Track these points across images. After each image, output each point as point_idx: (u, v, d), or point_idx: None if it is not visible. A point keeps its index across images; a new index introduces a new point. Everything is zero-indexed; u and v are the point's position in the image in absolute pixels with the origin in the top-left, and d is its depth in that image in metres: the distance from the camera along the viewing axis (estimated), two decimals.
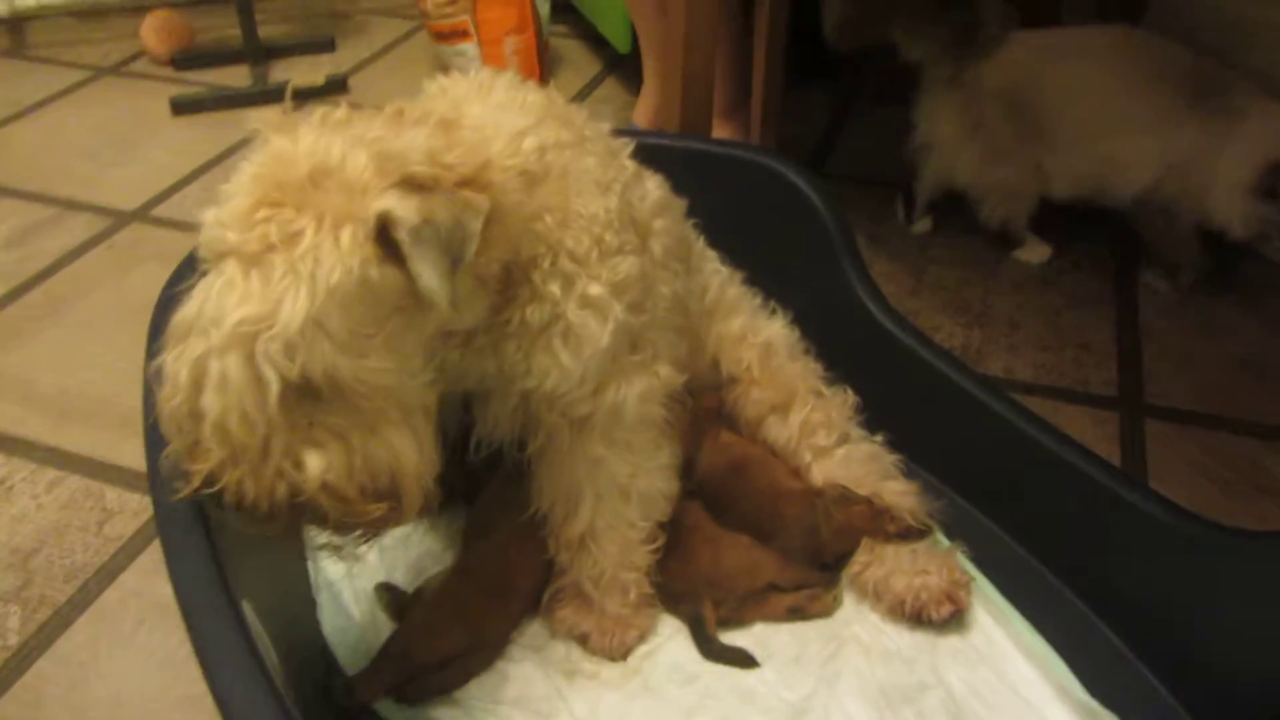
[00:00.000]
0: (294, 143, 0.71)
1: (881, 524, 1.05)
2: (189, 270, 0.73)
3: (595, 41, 2.30)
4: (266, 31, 2.33)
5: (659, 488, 0.96)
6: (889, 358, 1.17)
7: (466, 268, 0.73)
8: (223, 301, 0.66)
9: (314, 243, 0.67)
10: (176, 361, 0.68)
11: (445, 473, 1.06)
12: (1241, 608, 0.93)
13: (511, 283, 0.82)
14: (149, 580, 1.12)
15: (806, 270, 1.22)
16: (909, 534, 1.06)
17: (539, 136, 0.83)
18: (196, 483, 0.70)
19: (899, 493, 1.09)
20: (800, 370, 1.14)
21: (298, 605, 1.03)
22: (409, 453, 0.74)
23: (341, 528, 0.75)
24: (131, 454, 1.28)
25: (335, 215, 0.67)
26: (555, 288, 0.83)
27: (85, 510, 1.21)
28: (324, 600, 1.04)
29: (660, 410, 0.94)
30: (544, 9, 2.15)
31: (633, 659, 0.99)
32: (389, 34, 2.50)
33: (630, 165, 0.94)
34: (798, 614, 1.03)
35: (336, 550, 0.81)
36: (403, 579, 1.06)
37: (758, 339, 1.15)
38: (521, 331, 0.84)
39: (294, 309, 0.66)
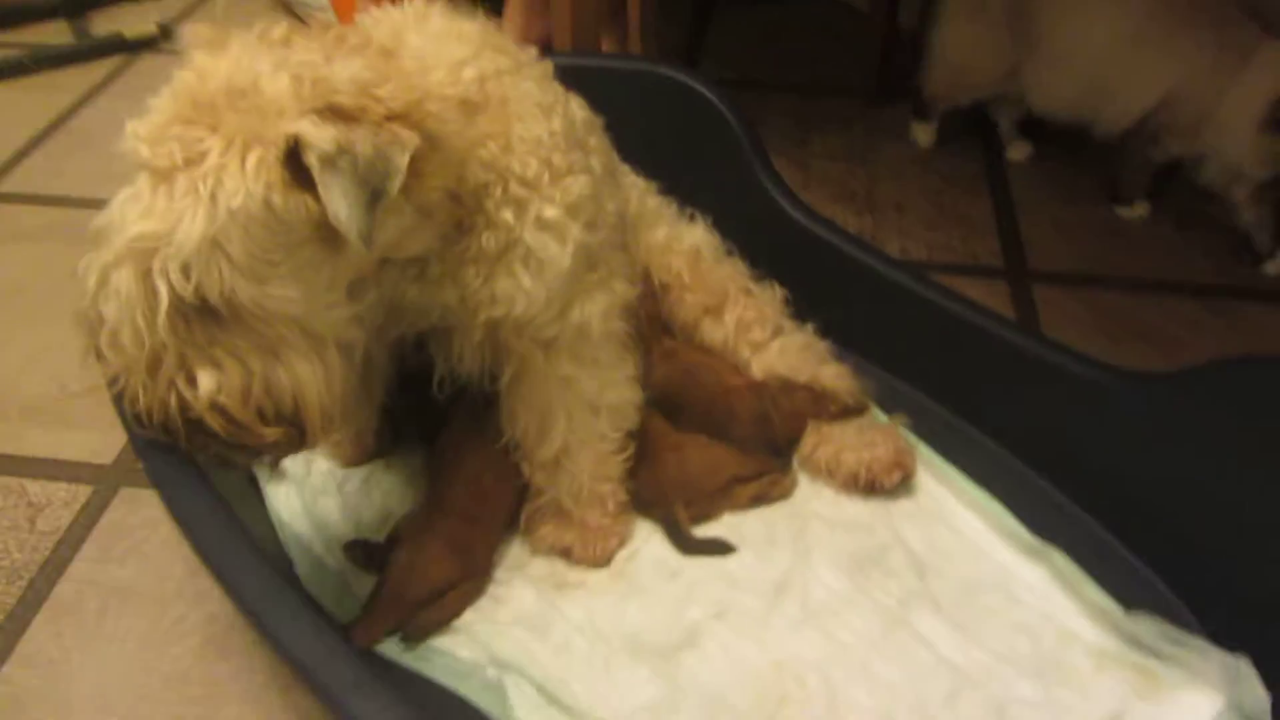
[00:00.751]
0: (217, 60, 0.70)
1: (824, 406, 1.12)
2: None
3: None
4: None
5: (627, 398, 0.99)
6: (807, 250, 1.23)
7: (397, 202, 0.73)
8: (125, 214, 0.68)
9: (219, 163, 0.67)
10: (86, 268, 0.70)
11: (397, 413, 1.09)
12: (1153, 441, 1.03)
13: (464, 211, 0.83)
14: (100, 567, 1.08)
15: (719, 176, 1.26)
16: (849, 412, 1.13)
17: (478, 66, 0.83)
18: (104, 382, 0.73)
19: (835, 376, 1.15)
20: (728, 271, 1.18)
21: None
22: (312, 382, 0.75)
23: (239, 448, 0.76)
24: (43, 442, 1.22)
25: (246, 137, 0.67)
26: (509, 214, 0.84)
27: (10, 509, 1.15)
28: (297, 556, 1.04)
29: (621, 324, 0.97)
30: None
31: (616, 564, 1.03)
32: None
33: (560, 87, 0.95)
34: (761, 500, 1.08)
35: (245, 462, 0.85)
36: (370, 527, 1.06)
37: (683, 245, 1.18)
38: (480, 258, 0.85)
39: (191, 228, 0.66)
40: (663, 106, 1.11)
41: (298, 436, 0.77)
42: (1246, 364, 1.00)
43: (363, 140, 0.68)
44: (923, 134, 1.73)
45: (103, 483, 1.18)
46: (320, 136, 0.67)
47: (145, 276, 0.67)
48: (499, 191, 0.83)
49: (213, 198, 0.66)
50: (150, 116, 0.69)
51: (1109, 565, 1.02)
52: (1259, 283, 1.47)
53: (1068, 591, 1.01)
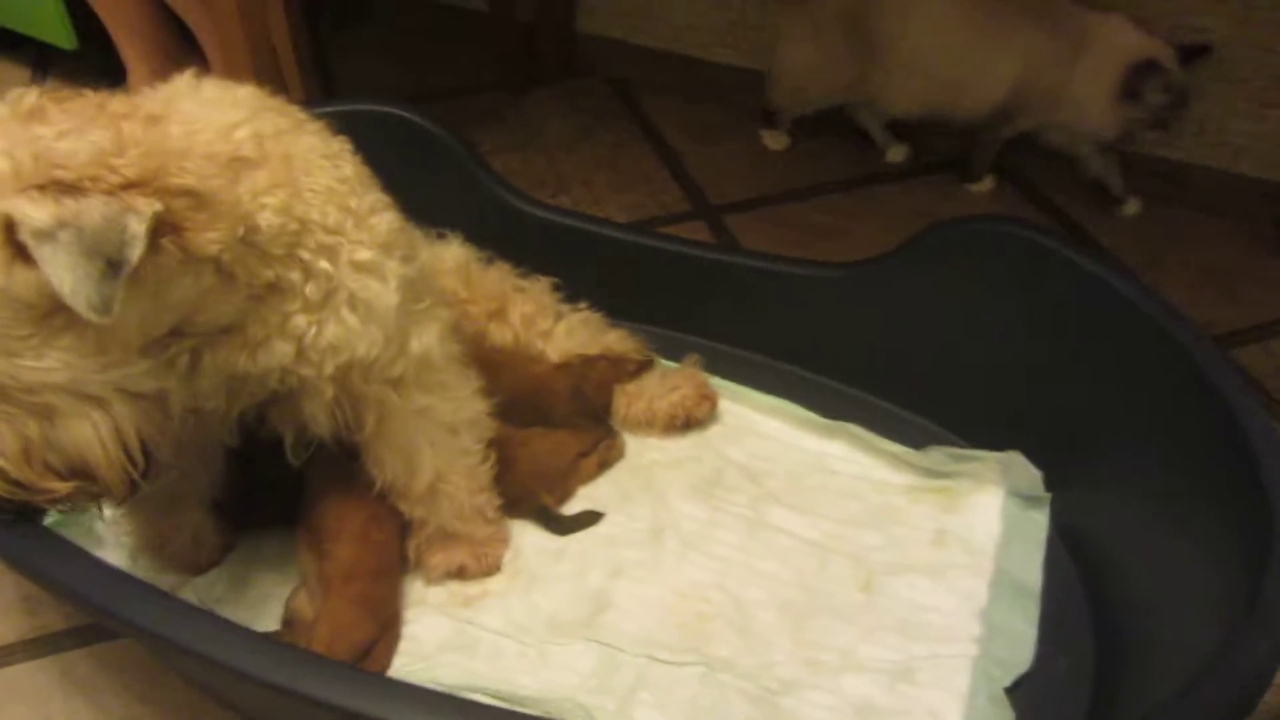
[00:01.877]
0: None
1: (623, 368, 1.24)
2: None
3: (11, 48, 2.04)
4: None
5: (479, 410, 1.04)
6: (552, 238, 1.33)
7: (186, 265, 0.75)
8: None
9: None
10: None
11: (232, 499, 1.07)
12: (874, 314, 1.26)
13: (275, 266, 0.84)
14: None
15: (453, 194, 1.32)
16: (643, 367, 1.26)
17: (254, 126, 0.84)
18: None
19: (619, 340, 1.28)
20: (496, 276, 1.26)
21: None
22: (93, 441, 0.77)
23: (37, 502, 0.79)
24: None
25: None
26: (325, 262, 0.86)
27: None
28: None
29: (456, 345, 1.02)
30: None
31: (505, 566, 1.10)
32: None
33: (340, 139, 0.97)
34: (605, 465, 1.20)
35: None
36: (259, 620, 1.05)
37: (448, 264, 1.24)
38: (307, 308, 0.86)
39: None
40: (384, 141, 1.15)
41: (94, 489, 0.79)
42: (929, 234, 1.23)
43: (89, 211, 0.68)
44: (773, 140, 1.82)
45: None
46: (33, 214, 0.67)
47: None
48: (311, 241, 0.85)
49: None
50: None
51: (890, 423, 1.25)
52: (881, 169, 1.78)
53: (869, 452, 1.22)
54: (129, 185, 0.71)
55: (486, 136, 1.83)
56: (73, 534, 1.08)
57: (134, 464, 0.79)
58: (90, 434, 0.76)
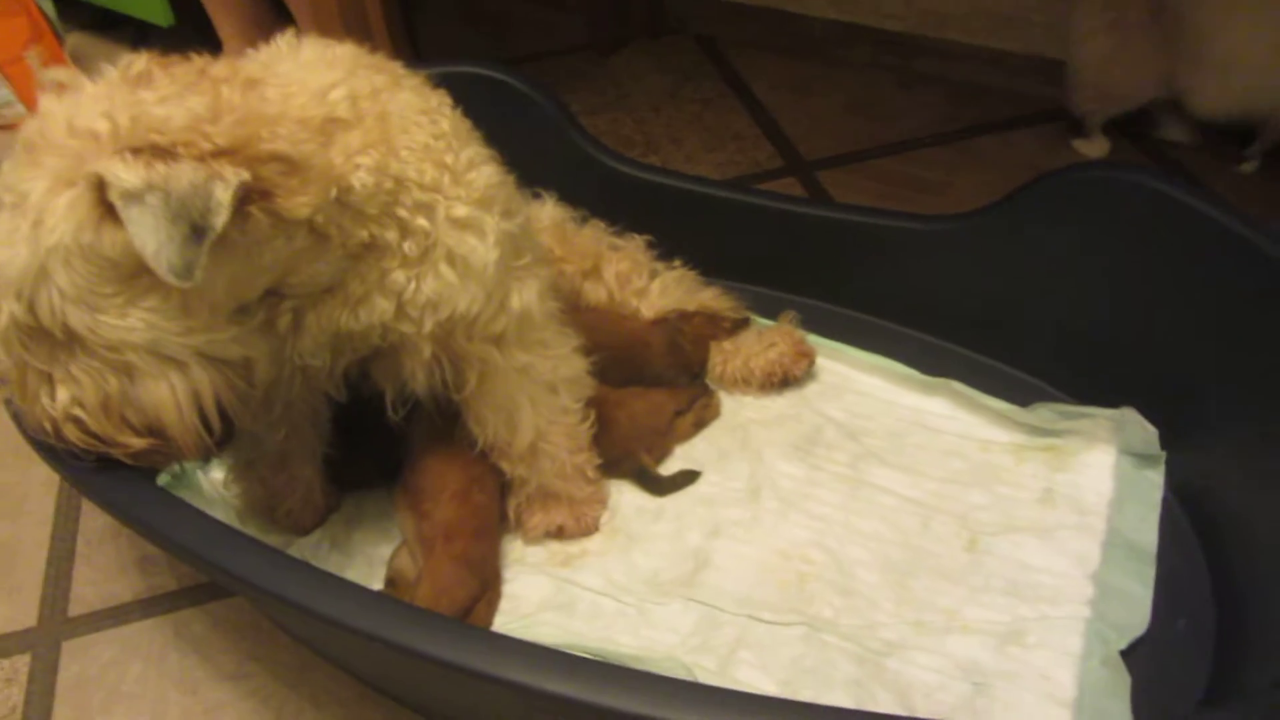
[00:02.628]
0: (60, 104, 0.73)
1: (719, 325, 1.23)
2: None
3: (110, 27, 2.09)
4: None
5: (579, 368, 1.04)
6: (646, 196, 1.32)
7: (280, 228, 0.77)
8: None
9: (39, 202, 0.70)
10: None
11: (340, 459, 1.09)
12: (976, 269, 1.22)
13: (371, 225, 0.84)
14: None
15: (547, 154, 1.31)
16: (739, 325, 1.24)
17: (349, 86, 0.84)
18: None
19: (714, 297, 1.26)
20: (591, 234, 1.25)
21: None
22: (169, 403, 0.78)
23: (111, 455, 0.81)
24: None
25: (66, 176, 0.70)
26: (422, 220, 0.86)
27: None
28: None
29: (555, 302, 1.02)
30: (48, 7, 1.92)
31: (603, 525, 1.10)
32: None
33: (440, 93, 0.97)
34: (701, 425, 1.18)
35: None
36: (358, 575, 1.07)
37: (544, 223, 1.23)
38: (406, 263, 0.87)
39: (15, 261, 0.71)
40: (478, 102, 1.15)
41: (166, 448, 0.81)
42: (1040, 183, 1.18)
43: (178, 177, 0.70)
44: (1089, 148, 1.65)
45: (39, 645, 1.10)
46: (124, 175, 0.68)
47: None
48: (408, 199, 0.85)
49: (33, 235, 0.70)
50: (8, 161, 0.73)
51: (993, 380, 1.21)
52: (984, 121, 1.71)
53: (971, 409, 1.18)
54: (219, 153, 0.72)
55: (574, 97, 1.82)
56: (184, 494, 1.11)
57: (209, 429, 0.80)
58: (167, 395, 0.77)
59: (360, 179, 0.81)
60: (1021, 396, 1.18)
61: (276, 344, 0.88)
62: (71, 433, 0.77)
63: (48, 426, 0.78)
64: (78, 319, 0.72)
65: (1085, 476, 1.11)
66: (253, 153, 0.74)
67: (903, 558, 1.05)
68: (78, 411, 0.76)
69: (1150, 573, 1.02)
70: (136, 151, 0.69)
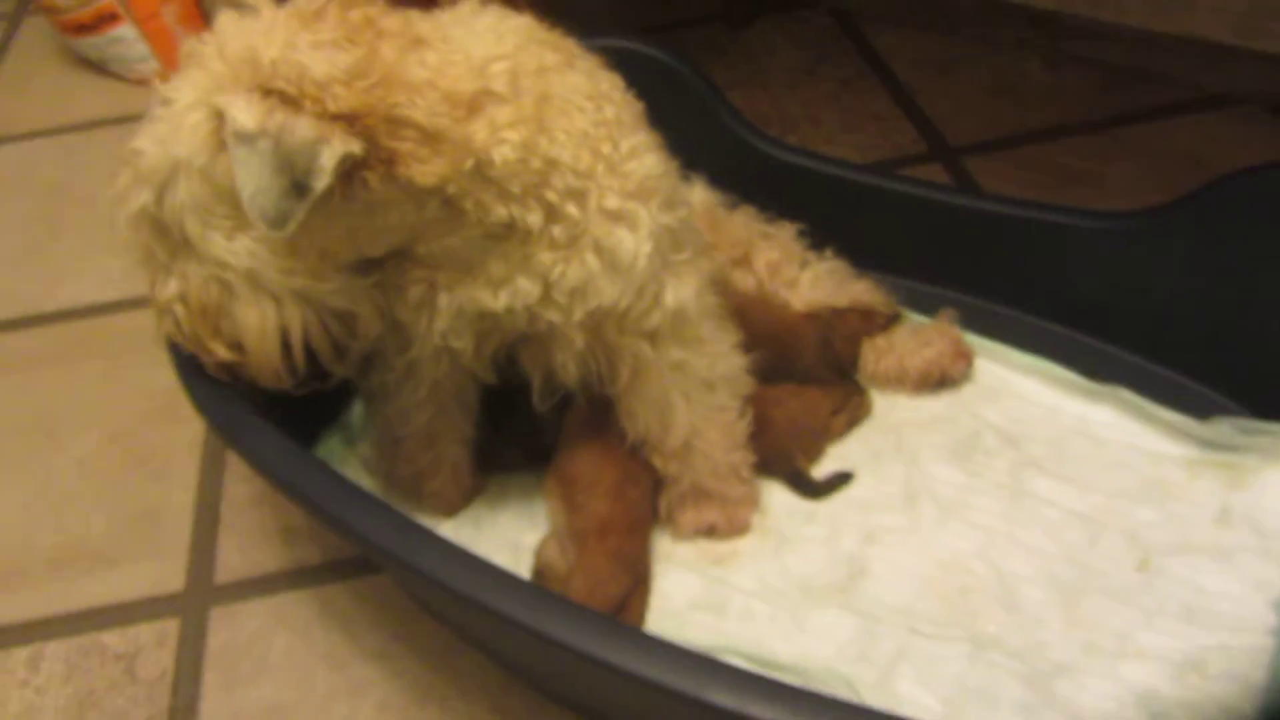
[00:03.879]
0: (234, 23, 0.76)
1: (873, 321, 1.18)
2: None
3: None
4: None
5: (737, 365, 1.01)
6: (792, 181, 1.27)
7: (407, 192, 0.76)
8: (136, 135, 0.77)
9: (177, 113, 0.74)
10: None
11: (487, 441, 1.08)
12: (1152, 271, 1.15)
13: (513, 205, 0.81)
14: (235, 694, 1.03)
15: (698, 135, 1.27)
16: (892, 321, 1.20)
17: (515, 61, 0.81)
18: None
19: (867, 290, 1.22)
20: (742, 221, 1.22)
21: None
22: (254, 329, 0.81)
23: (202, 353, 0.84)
24: (95, 590, 1.13)
25: (203, 96, 0.73)
26: (572, 207, 0.84)
27: (96, 669, 1.07)
28: None
29: (714, 298, 0.99)
30: None
31: (754, 526, 1.07)
32: None
33: (614, 76, 0.94)
34: (853, 424, 1.15)
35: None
36: (502, 561, 1.05)
37: (693, 208, 1.19)
38: (554, 246, 0.84)
39: (150, 158, 0.75)
40: (627, 78, 1.12)
41: (244, 364, 0.84)
42: (1226, 183, 1.11)
43: (293, 130, 0.70)
44: None
45: (188, 610, 1.11)
46: (241, 115, 0.69)
47: (131, 185, 0.77)
48: (559, 183, 0.82)
49: (168, 140, 0.74)
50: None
51: (1165, 389, 1.14)
52: (1141, 106, 1.63)
53: (1141, 419, 1.13)
54: (342, 116, 0.71)
55: (707, 72, 1.77)
56: (341, 467, 1.11)
57: (290, 366, 0.83)
58: (254, 321, 0.80)
59: (502, 154, 0.79)
60: (1196, 409, 1.12)
61: (407, 313, 0.88)
62: (167, 325, 0.82)
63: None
64: (192, 228, 0.76)
65: (1266, 497, 1.05)
66: (382, 117, 0.73)
67: (1069, 575, 1.01)
68: (178, 307, 0.81)
69: None
70: (266, 93, 0.70)
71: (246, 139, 0.69)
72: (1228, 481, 1.07)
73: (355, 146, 0.71)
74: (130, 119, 1.79)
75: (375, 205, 0.77)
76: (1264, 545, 1.02)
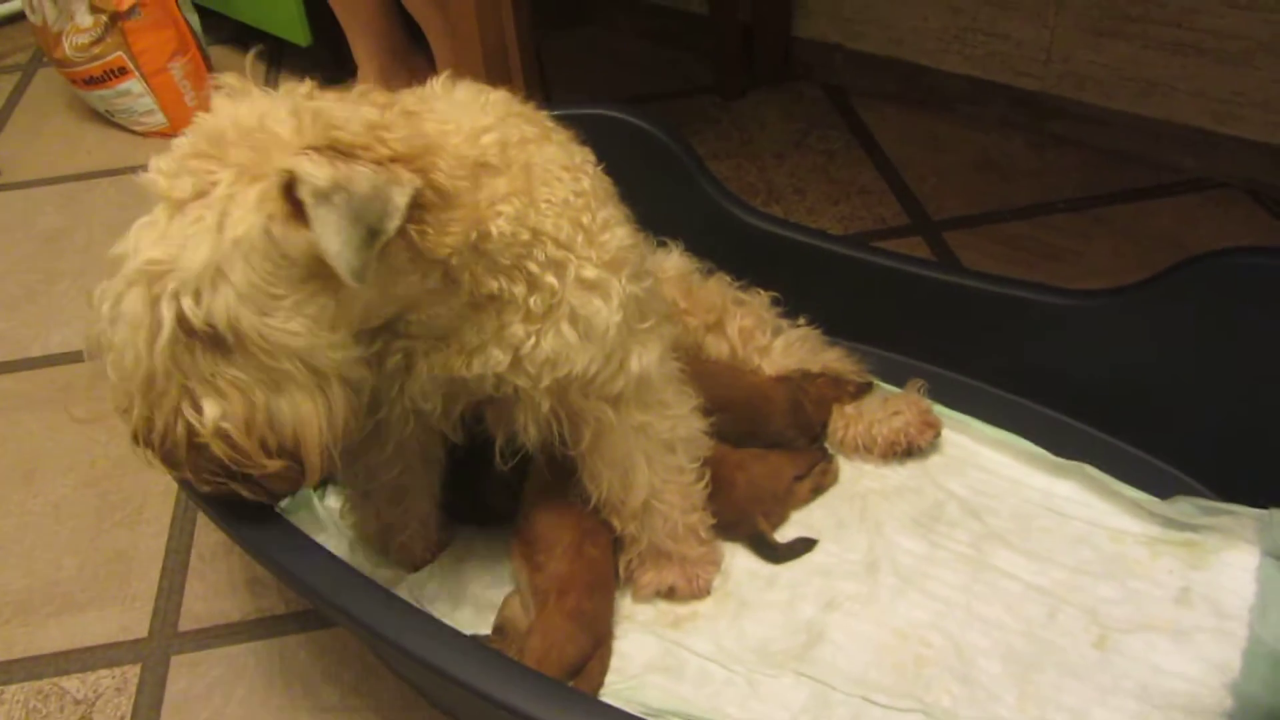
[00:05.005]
0: (236, 103, 0.74)
1: (844, 388, 1.20)
2: None
3: (249, 44, 2.15)
4: None
5: (696, 428, 1.02)
6: (768, 249, 1.30)
7: (417, 262, 0.77)
8: (140, 241, 0.71)
9: (226, 194, 0.70)
10: (101, 294, 0.72)
11: (453, 498, 1.08)
12: (1119, 349, 1.17)
13: (501, 276, 0.83)
14: None
15: (676, 203, 1.30)
16: (863, 389, 1.21)
17: (501, 132, 0.84)
18: (110, 408, 0.76)
19: (838, 359, 1.23)
20: (716, 287, 1.24)
21: None
22: (313, 418, 0.77)
23: (241, 478, 0.79)
24: (58, 634, 1.14)
25: (252, 170, 0.70)
26: (551, 277, 0.85)
27: (55, 713, 1.07)
28: None
29: (676, 363, 1.00)
30: (194, 21, 1.98)
31: (715, 589, 1.07)
32: None
33: (585, 150, 0.97)
34: (819, 490, 1.15)
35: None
36: (467, 623, 1.06)
37: (669, 274, 1.22)
38: (528, 318, 0.86)
39: (196, 254, 0.69)
40: (607, 144, 1.15)
41: (297, 471, 0.80)
42: (1191, 265, 1.12)
43: (361, 178, 0.70)
44: None
45: (149, 657, 1.11)
46: (314, 172, 0.68)
47: (154, 302, 0.70)
48: (540, 254, 0.84)
49: (219, 226, 0.69)
50: (170, 153, 0.73)
51: (1129, 466, 1.15)
52: (1121, 188, 1.66)
53: (1105, 496, 1.13)
54: (396, 159, 0.73)
55: (698, 141, 1.81)
56: (298, 520, 1.12)
57: (335, 451, 0.80)
58: (312, 410, 0.77)
59: (499, 227, 0.81)
60: (1159, 487, 1.13)
61: (383, 381, 0.88)
62: (219, 449, 0.75)
63: (182, 446, 0.75)
64: (249, 321, 0.71)
65: (1225, 577, 1.06)
66: (422, 168, 0.75)
67: (1027, 649, 1.01)
68: (226, 425, 0.74)
69: None
70: (320, 150, 0.70)
71: (324, 196, 0.68)
72: (1188, 561, 1.07)
73: (419, 181, 0.73)
74: (132, 169, 1.85)
75: (390, 274, 0.77)
76: (1222, 627, 1.02)
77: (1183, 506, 1.10)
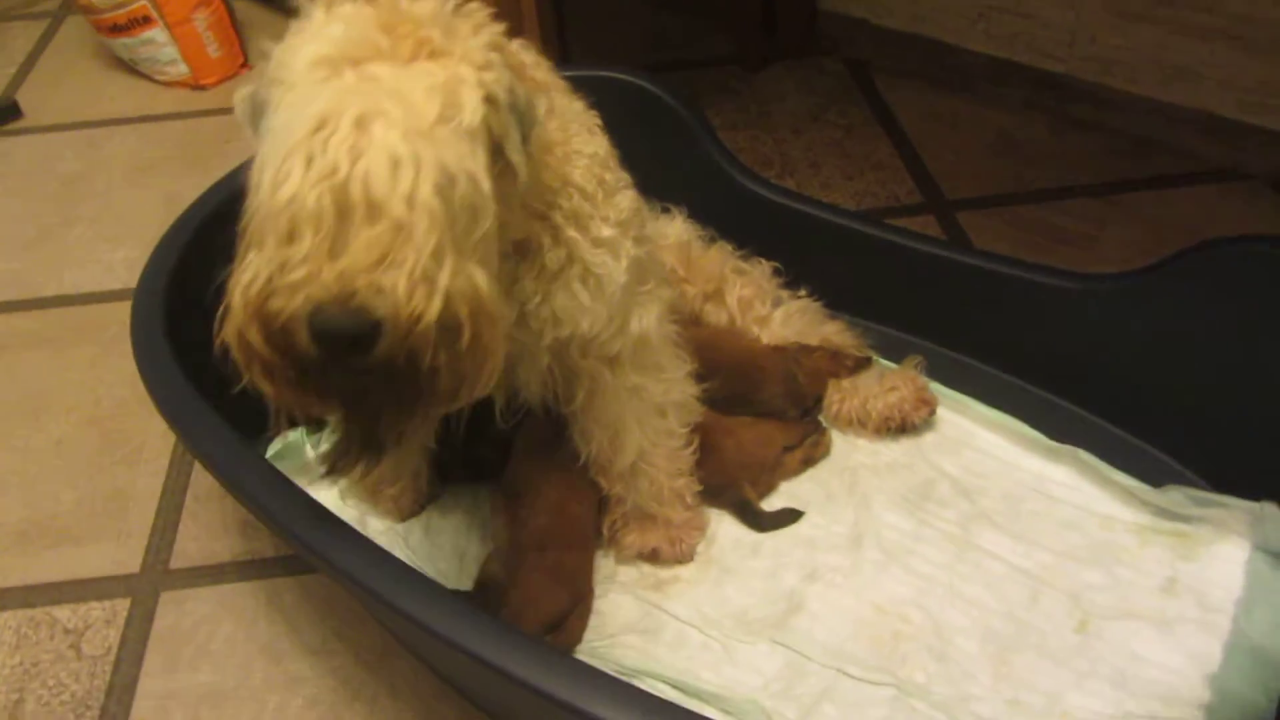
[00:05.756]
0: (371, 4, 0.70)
1: (841, 362, 1.19)
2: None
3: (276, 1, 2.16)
4: None
5: (689, 393, 1.02)
6: (772, 219, 1.29)
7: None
8: (404, 87, 0.64)
9: (457, 71, 0.67)
10: (339, 145, 0.63)
11: (444, 454, 1.09)
12: (1122, 335, 1.15)
13: (532, 223, 0.83)
14: (173, 677, 1.05)
15: (684, 168, 1.30)
16: (860, 364, 1.20)
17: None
18: (298, 302, 0.64)
19: (837, 333, 1.23)
20: (717, 256, 1.23)
21: None
22: (492, 292, 0.70)
23: (407, 390, 0.70)
24: (54, 565, 1.16)
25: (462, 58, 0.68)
26: (573, 231, 0.85)
27: (45, 641, 1.09)
28: None
29: (673, 326, 1.00)
30: None
31: (699, 553, 1.08)
32: (25, 39, 2.20)
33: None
34: (809, 462, 1.15)
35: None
36: (448, 574, 1.07)
37: (669, 241, 1.22)
38: (540, 275, 0.85)
39: (470, 111, 0.66)
40: (619, 107, 1.15)
41: (461, 373, 0.71)
42: (1191, 253, 1.10)
43: (519, 86, 0.72)
44: None
45: (139, 591, 1.13)
46: (503, 73, 0.70)
47: (443, 148, 0.64)
48: (566, 205, 0.84)
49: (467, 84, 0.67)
50: (345, 28, 0.67)
51: (1124, 453, 1.14)
52: (1142, 175, 1.63)
53: (1097, 482, 1.12)
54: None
55: (716, 111, 1.80)
56: (287, 467, 1.13)
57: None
58: (490, 287, 0.69)
59: (546, 175, 0.81)
60: (1153, 475, 1.11)
61: None
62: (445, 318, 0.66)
63: (416, 324, 0.65)
64: (483, 186, 0.67)
65: (1213, 569, 1.04)
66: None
67: (1006, 630, 1.00)
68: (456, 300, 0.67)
69: (1277, 685, 0.95)
70: (488, 65, 0.69)
71: (510, 94, 0.70)
72: (1177, 551, 1.06)
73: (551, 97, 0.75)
74: (152, 118, 1.88)
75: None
76: (1206, 619, 1.01)
77: (1175, 496, 1.09)
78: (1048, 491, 1.13)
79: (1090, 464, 1.13)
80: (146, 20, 1.90)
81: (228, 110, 1.88)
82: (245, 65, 2.02)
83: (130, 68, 2.01)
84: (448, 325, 0.66)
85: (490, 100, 0.69)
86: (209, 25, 1.94)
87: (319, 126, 0.63)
